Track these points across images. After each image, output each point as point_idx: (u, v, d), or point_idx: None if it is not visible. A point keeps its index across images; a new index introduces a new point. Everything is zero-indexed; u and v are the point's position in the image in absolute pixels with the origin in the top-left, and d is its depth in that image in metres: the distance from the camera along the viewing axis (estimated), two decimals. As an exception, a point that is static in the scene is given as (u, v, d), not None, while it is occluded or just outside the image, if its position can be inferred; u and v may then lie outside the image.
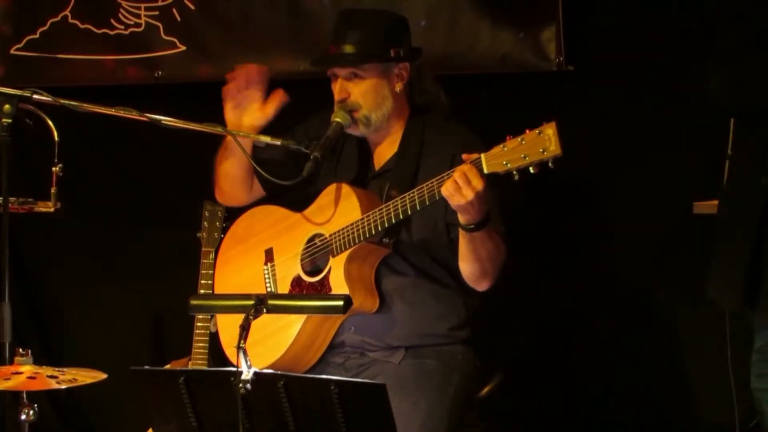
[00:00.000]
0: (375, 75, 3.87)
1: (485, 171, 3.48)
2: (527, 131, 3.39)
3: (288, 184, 3.91)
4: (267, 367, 3.63)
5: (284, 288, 3.90)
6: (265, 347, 3.79)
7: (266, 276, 3.95)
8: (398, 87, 3.90)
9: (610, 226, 4.65)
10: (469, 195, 3.49)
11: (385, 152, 3.96)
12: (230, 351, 3.95)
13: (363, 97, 3.86)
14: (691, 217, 4.18)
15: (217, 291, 4.14)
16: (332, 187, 3.87)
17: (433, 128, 3.91)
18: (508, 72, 4.63)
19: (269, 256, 3.96)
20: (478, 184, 3.48)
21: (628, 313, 4.62)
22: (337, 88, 3.90)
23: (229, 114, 4.02)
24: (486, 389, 3.98)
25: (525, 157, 3.39)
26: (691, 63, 3.83)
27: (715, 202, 3.71)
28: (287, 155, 3.99)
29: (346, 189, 3.84)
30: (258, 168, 3.94)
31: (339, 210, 3.82)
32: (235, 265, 4.07)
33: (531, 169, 3.40)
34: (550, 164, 3.37)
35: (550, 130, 3.35)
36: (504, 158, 3.43)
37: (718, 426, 4.33)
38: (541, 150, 3.36)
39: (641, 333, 4.62)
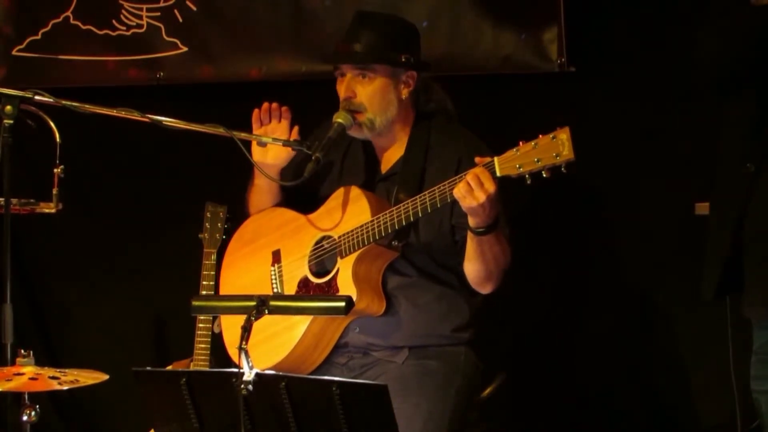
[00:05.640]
0: (383, 78, 3.87)
1: (498, 174, 3.49)
2: (540, 136, 3.40)
3: (290, 185, 3.92)
4: (271, 368, 3.63)
5: (291, 289, 3.89)
6: (269, 347, 3.79)
7: (273, 277, 3.95)
8: (404, 94, 3.90)
9: (611, 226, 4.65)
10: (481, 197, 3.50)
11: (391, 156, 3.96)
12: (233, 351, 3.95)
13: (369, 99, 3.86)
14: (692, 217, 4.18)
15: (223, 292, 4.13)
16: (341, 191, 3.87)
17: (439, 132, 3.91)
18: (510, 73, 4.64)
19: (276, 257, 3.96)
20: (491, 186, 3.49)
21: (630, 314, 4.62)
22: (343, 86, 3.89)
23: (255, 150, 4.00)
24: (488, 390, 3.98)
25: (538, 161, 3.40)
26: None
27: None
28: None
29: (355, 192, 3.84)
30: (261, 169, 3.94)
31: (348, 212, 3.82)
32: (241, 267, 4.07)
33: (544, 173, 3.41)
34: (563, 169, 3.39)
35: (563, 135, 3.37)
36: (517, 162, 3.44)
37: (719, 427, 4.33)
38: (554, 154, 3.38)
39: (643, 334, 4.62)
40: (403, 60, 3.87)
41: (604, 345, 4.63)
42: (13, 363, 3.61)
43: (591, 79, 4.57)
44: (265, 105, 3.99)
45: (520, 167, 3.44)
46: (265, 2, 4.92)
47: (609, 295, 4.63)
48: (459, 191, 3.52)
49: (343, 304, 3.18)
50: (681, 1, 4.43)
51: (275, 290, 3.92)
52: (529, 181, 3.44)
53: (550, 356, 4.66)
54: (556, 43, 4.53)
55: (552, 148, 3.38)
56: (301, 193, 3.99)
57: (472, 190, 3.50)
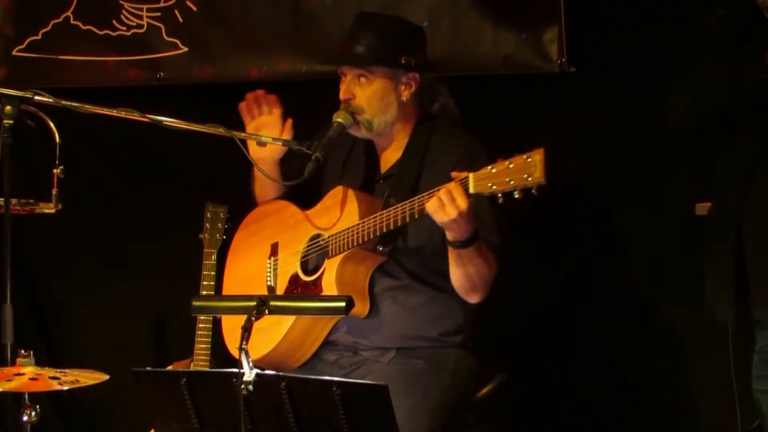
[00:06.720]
0: (382, 79, 3.86)
1: (471, 191, 3.44)
2: (516, 155, 3.34)
3: (290, 185, 3.93)
4: (256, 361, 3.64)
5: (282, 283, 3.92)
6: (255, 341, 3.78)
7: (269, 269, 3.97)
8: (405, 95, 3.90)
9: (611, 227, 4.65)
10: (452, 213, 3.47)
11: (391, 157, 3.96)
12: (229, 338, 4.00)
13: (368, 101, 3.86)
14: (692, 217, 4.18)
15: (225, 280, 4.16)
16: (338, 189, 3.88)
17: (439, 135, 3.91)
18: (510, 73, 4.63)
19: (274, 250, 3.98)
20: (462, 203, 3.46)
21: (630, 315, 4.61)
22: (343, 88, 3.90)
23: (252, 145, 4.01)
24: (485, 390, 3.98)
25: (510, 182, 3.33)
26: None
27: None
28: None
29: (349, 193, 3.85)
30: (262, 170, 3.94)
31: (341, 213, 3.83)
32: (244, 257, 4.11)
33: (516, 194, 3.33)
34: (534, 191, 3.31)
35: (537, 157, 3.28)
36: (491, 180, 3.38)
37: (719, 427, 4.33)
38: (525, 176, 3.29)
39: (643, 334, 4.61)
40: (403, 62, 3.86)
41: (604, 345, 4.63)
42: (13, 363, 3.61)
43: (591, 79, 4.56)
44: (249, 95, 4.00)
45: (492, 186, 3.37)
46: (265, 2, 4.92)
47: (609, 295, 4.63)
48: (431, 206, 3.49)
49: (343, 304, 3.18)
50: (680, 1, 4.43)
51: (269, 283, 3.95)
52: (501, 200, 3.38)
53: (549, 357, 4.66)
54: (556, 43, 4.53)
55: (524, 169, 3.29)
56: (305, 187, 3.98)
57: (444, 206, 3.47)
